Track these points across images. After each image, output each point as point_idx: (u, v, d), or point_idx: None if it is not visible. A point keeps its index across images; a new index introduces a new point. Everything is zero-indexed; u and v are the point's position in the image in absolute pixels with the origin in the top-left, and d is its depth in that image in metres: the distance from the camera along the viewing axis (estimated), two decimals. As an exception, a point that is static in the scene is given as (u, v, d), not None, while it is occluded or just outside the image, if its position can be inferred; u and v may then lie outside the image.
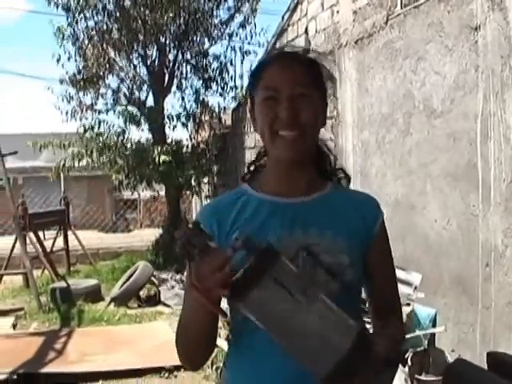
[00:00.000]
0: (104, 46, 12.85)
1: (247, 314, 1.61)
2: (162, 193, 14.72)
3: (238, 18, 13.77)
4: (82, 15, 12.73)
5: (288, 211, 1.95)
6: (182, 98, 14.02)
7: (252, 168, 2.16)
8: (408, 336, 4.71)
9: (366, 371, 1.60)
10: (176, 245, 1.65)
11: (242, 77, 13.82)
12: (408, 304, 4.83)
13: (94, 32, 12.92)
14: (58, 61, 13.34)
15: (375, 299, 2.11)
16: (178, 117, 13.74)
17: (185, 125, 13.97)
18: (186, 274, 1.90)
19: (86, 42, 13.13)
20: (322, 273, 1.82)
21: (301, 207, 1.96)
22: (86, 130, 13.19)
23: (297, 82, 1.89)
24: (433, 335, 5.05)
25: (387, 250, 2.10)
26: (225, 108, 14.11)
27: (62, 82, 13.54)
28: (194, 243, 1.61)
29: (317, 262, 1.83)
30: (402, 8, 6.05)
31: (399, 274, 5.20)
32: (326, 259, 1.87)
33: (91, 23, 12.90)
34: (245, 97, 11.67)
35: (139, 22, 12.51)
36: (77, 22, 12.89)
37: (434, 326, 5.08)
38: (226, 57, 13.94)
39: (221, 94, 13.97)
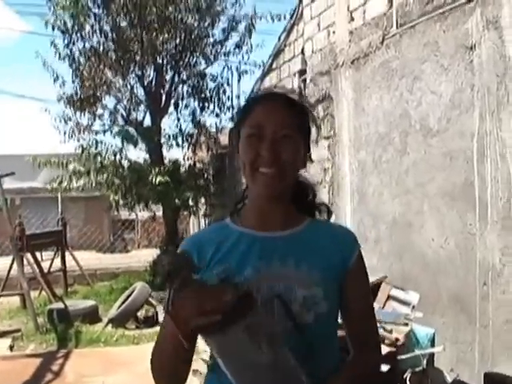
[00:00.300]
0: (101, 66, 12.88)
1: (208, 345, 1.67)
2: (160, 213, 14.70)
3: (234, 38, 13.84)
4: (78, 35, 12.78)
5: (266, 244, 2.01)
6: (178, 119, 14.08)
7: (239, 206, 2.20)
8: (407, 356, 4.70)
9: None
10: (159, 269, 1.68)
11: (238, 97, 13.85)
12: (406, 324, 4.83)
13: (90, 53, 12.96)
14: (55, 81, 13.41)
15: (351, 330, 2.13)
16: (175, 137, 13.79)
17: (181, 145, 14.01)
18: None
19: (83, 62, 13.17)
20: (283, 318, 1.86)
21: (279, 241, 2.02)
22: (83, 150, 13.22)
23: (281, 123, 1.96)
24: (431, 355, 5.04)
25: (363, 283, 2.14)
26: (222, 128, 14.14)
27: (59, 100, 13.56)
28: (177, 272, 1.65)
29: (287, 309, 1.88)
30: (397, 28, 6.08)
31: (398, 293, 5.23)
32: (300, 293, 1.93)
33: (88, 44, 12.95)
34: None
35: (136, 42, 12.55)
36: (74, 43, 12.94)
37: (432, 345, 5.06)
38: (222, 77, 14.00)
39: (217, 115, 14.02)
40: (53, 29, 12.68)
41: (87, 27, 12.62)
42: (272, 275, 1.95)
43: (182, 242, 2.13)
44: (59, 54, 13.15)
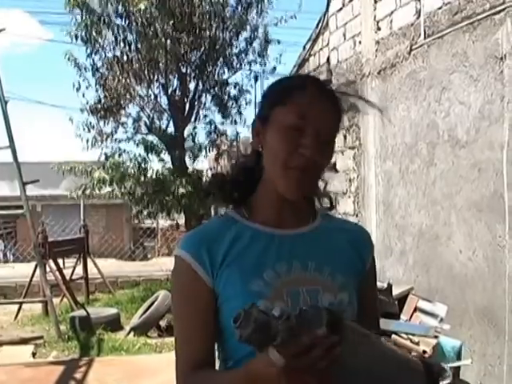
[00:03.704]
0: (124, 75, 12.93)
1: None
2: (181, 221, 14.71)
3: (256, 48, 13.91)
4: (100, 46, 12.85)
5: (285, 244, 1.84)
6: (195, 128, 14.12)
7: (237, 190, 1.96)
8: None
9: None
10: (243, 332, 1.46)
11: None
12: (436, 336, 4.77)
13: (113, 62, 13.01)
14: (78, 90, 13.46)
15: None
16: (198, 146, 13.82)
17: (204, 154, 14.06)
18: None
19: (106, 72, 13.23)
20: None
21: (298, 239, 1.86)
22: (107, 158, 13.29)
23: (330, 127, 1.80)
24: (458, 368, 4.98)
25: (375, 281, 2.06)
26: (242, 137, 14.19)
27: (82, 111, 13.62)
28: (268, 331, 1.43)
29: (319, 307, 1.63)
30: (425, 38, 6.05)
31: (425, 305, 5.17)
32: (326, 299, 1.78)
33: (110, 54, 13.02)
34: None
35: (160, 51, 12.59)
36: (96, 53, 13.01)
37: (459, 358, 5.00)
38: (244, 85, 14.08)
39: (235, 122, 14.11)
40: (76, 39, 12.77)
41: (109, 37, 12.67)
42: (293, 279, 1.78)
43: (184, 239, 1.89)
44: (78, 66, 13.26)
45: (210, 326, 1.78)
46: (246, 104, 14.17)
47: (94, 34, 12.44)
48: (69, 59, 13.25)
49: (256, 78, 13.91)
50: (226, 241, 1.80)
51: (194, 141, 13.96)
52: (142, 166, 13.16)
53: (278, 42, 14.02)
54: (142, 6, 11.70)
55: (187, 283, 1.80)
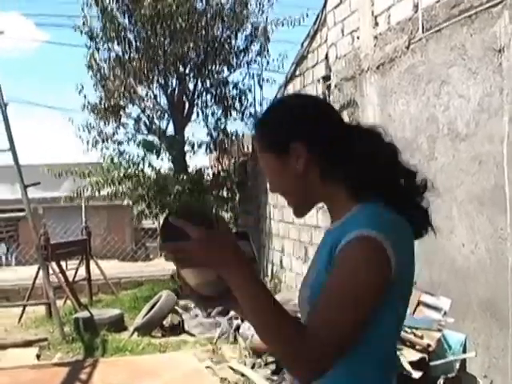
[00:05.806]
0: (125, 75, 12.93)
1: None
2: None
3: (256, 46, 13.88)
4: (105, 42, 12.86)
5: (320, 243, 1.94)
6: (205, 126, 14.12)
7: None
8: (439, 362, 4.66)
9: None
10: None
11: (261, 104, 13.85)
12: (439, 330, 4.78)
13: (115, 61, 13.01)
14: (80, 92, 13.48)
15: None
16: (199, 145, 13.83)
17: (204, 153, 14.08)
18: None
19: (107, 72, 13.24)
20: None
21: (326, 237, 1.93)
22: (105, 160, 13.30)
23: (260, 158, 1.96)
24: (463, 361, 4.99)
25: (338, 273, 1.69)
26: (243, 135, 14.16)
27: (83, 109, 13.64)
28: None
29: None
30: (423, 32, 6.04)
31: (428, 299, 5.17)
32: (303, 293, 1.88)
33: (113, 54, 13.02)
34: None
35: (159, 51, 12.59)
36: (98, 50, 13.02)
37: (464, 351, 5.01)
38: (244, 84, 14.05)
39: (241, 120, 14.07)
40: (81, 33, 12.79)
41: (113, 35, 12.67)
42: (306, 278, 1.92)
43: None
44: (91, 67, 13.26)
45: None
46: (247, 103, 14.15)
47: (108, 29, 12.44)
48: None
49: (259, 79, 13.91)
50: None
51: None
52: (141, 166, 13.17)
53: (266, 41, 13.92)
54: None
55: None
